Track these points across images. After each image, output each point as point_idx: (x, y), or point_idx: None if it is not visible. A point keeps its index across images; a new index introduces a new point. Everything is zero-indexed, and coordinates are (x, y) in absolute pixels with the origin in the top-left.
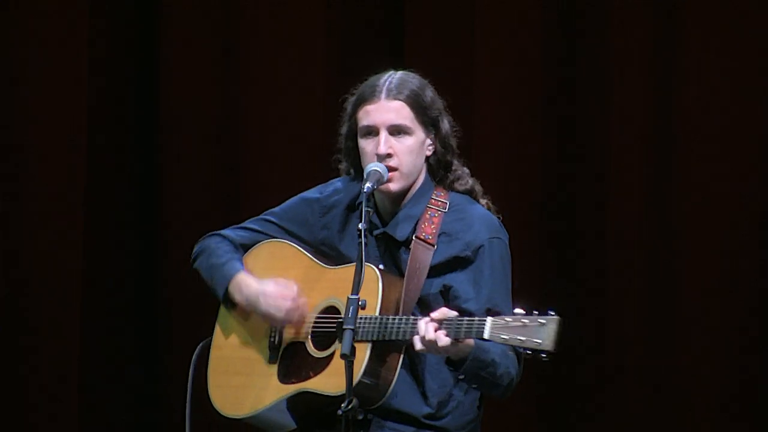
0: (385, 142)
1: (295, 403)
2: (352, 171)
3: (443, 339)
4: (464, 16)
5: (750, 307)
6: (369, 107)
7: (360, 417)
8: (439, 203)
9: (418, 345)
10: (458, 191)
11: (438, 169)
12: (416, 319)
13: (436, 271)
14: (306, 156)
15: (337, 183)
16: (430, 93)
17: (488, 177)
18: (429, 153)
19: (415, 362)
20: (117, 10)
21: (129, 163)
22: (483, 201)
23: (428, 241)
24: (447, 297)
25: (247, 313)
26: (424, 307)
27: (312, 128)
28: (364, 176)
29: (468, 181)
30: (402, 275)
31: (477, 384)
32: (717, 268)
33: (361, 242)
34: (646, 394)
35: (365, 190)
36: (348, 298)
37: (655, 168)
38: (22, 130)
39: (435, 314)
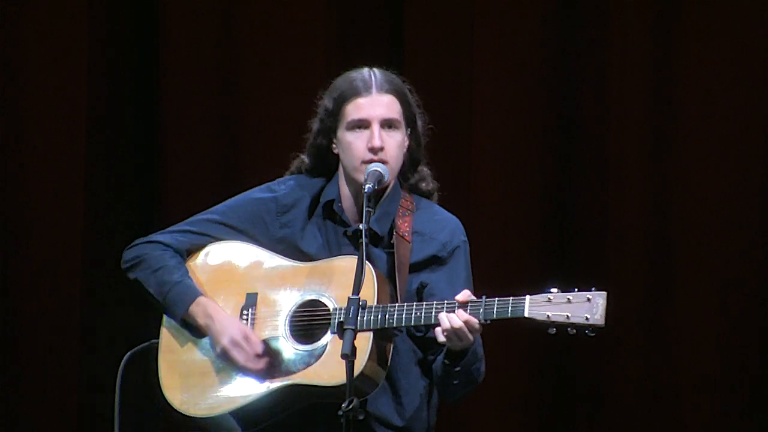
0: (378, 135)
1: (279, 398)
2: (309, 170)
3: (473, 320)
4: (464, 16)
5: (750, 310)
6: (360, 101)
7: (360, 417)
8: (408, 204)
9: (446, 325)
10: (421, 191)
11: (408, 167)
12: (437, 304)
13: (413, 268)
14: (301, 148)
15: (291, 181)
16: (408, 90)
17: (487, 177)
18: (403, 150)
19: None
20: (117, 9)
21: (129, 163)
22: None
23: (405, 237)
24: (421, 295)
25: (198, 334)
26: None
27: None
28: (365, 176)
29: (430, 183)
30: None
31: (461, 380)
32: (718, 270)
33: (362, 242)
34: (645, 398)
35: (366, 191)
36: (348, 298)
37: (655, 168)
38: (22, 130)
39: (460, 296)
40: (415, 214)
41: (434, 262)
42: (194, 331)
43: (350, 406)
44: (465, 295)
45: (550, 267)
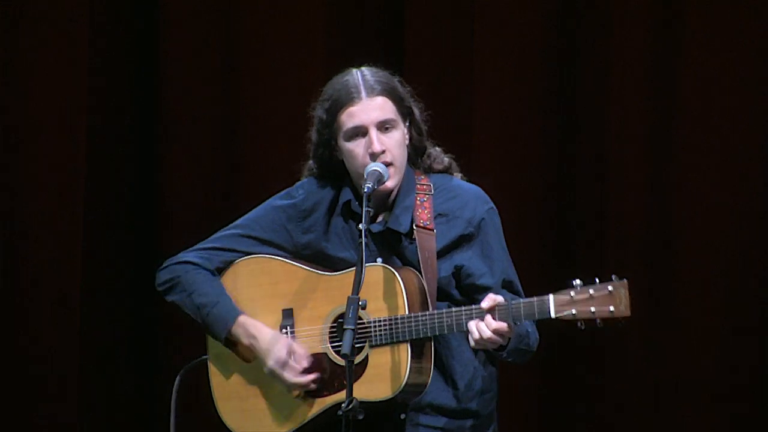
0: (377, 139)
1: (332, 415)
2: (317, 174)
3: (503, 327)
4: (464, 16)
5: (750, 309)
6: (353, 109)
7: (360, 417)
8: (425, 187)
9: (476, 336)
10: (436, 170)
11: (416, 156)
12: (467, 311)
13: (442, 253)
14: (306, 156)
15: (306, 186)
16: (399, 83)
17: (488, 176)
18: (406, 142)
19: (437, 347)
20: (117, 10)
21: (129, 163)
22: (458, 176)
23: (427, 227)
24: (459, 277)
25: (241, 354)
26: (439, 292)
27: (308, 130)
28: (364, 176)
29: (444, 160)
30: (408, 265)
31: (515, 358)
32: (718, 269)
33: (361, 242)
34: (645, 397)
35: (366, 191)
36: (348, 298)
37: (655, 167)
38: (22, 130)
39: (485, 303)
40: (434, 196)
41: (463, 240)
42: (240, 350)
43: (350, 406)
44: (490, 300)
45: (549, 266)
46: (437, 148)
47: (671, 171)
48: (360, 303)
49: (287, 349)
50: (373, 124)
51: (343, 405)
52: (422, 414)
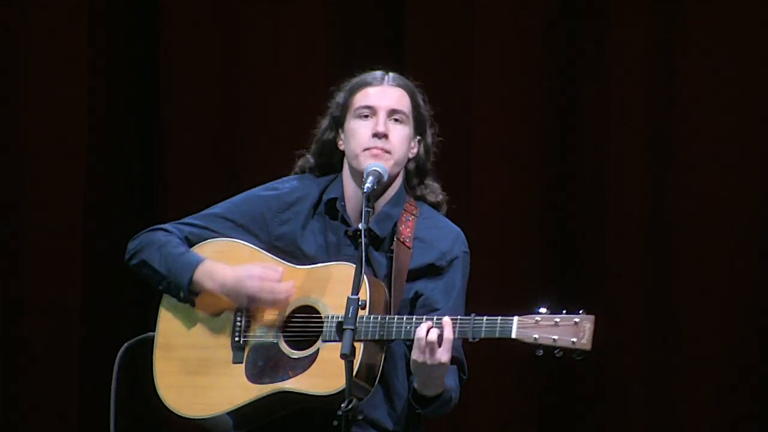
0: (384, 123)
1: (269, 403)
2: (314, 168)
3: (450, 338)
4: (464, 16)
5: (750, 308)
6: (370, 90)
7: (360, 417)
8: (412, 209)
9: (421, 333)
10: (428, 201)
11: (414, 175)
12: (428, 319)
13: (411, 276)
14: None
15: (294, 180)
16: (421, 97)
17: (488, 177)
18: (411, 155)
19: (384, 364)
20: (116, 9)
21: (129, 164)
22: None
23: (406, 243)
24: (415, 304)
25: (207, 309)
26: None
27: (312, 128)
28: (364, 175)
29: (439, 195)
30: (376, 278)
31: (428, 415)
32: (718, 270)
33: (361, 242)
34: (645, 399)
35: (366, 190)
36: (348, 298)
37: (655, 167)
38: (22, 130)
39: (446, 317)
40: (418, 220)
41: (431, 271)
42: (202, 301)
43: (350, 406)
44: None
45: (548, 265)
46: (436, 184)
47: (672, 170)
48: (360, 303)
49: (256, 266)
50: (385, 109)
51: (342, 405)
52: (355, 425)
